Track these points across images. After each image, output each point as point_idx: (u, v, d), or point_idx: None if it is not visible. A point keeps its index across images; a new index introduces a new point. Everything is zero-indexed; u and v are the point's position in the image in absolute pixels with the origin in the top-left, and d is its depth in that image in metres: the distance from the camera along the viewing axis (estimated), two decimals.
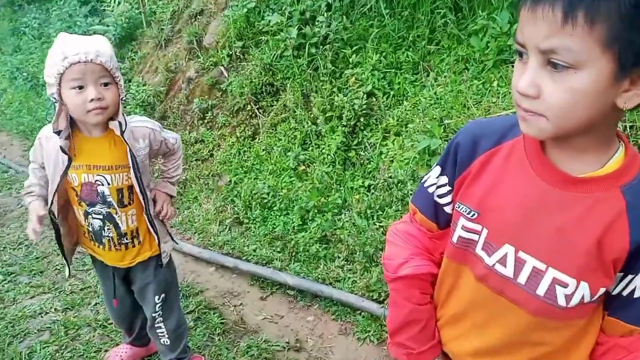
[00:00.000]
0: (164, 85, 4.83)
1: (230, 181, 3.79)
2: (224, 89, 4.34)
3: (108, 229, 1.82)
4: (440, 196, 1.03)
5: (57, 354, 2.37)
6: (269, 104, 4.06)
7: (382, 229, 2.77)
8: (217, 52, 4.50)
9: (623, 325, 0.90)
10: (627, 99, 0.73)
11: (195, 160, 4.19)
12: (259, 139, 3.99)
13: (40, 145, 1.78)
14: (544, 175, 0.87)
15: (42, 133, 1.78)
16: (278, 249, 3.08)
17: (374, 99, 3.51)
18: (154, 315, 2.02)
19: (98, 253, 1.94)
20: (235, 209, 3.48)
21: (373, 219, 2.94)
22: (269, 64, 4.04)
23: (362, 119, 3.50)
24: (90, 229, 1.84)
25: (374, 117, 3.51)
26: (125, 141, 1.70)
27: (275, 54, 4.01)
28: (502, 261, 0.92)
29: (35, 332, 2.52)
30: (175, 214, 1.99)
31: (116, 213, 1.80)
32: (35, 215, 1.74)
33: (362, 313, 2.50)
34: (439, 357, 1.12)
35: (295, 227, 3.17)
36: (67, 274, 2.03)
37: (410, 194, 2.82)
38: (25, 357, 2.34)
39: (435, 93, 3.30)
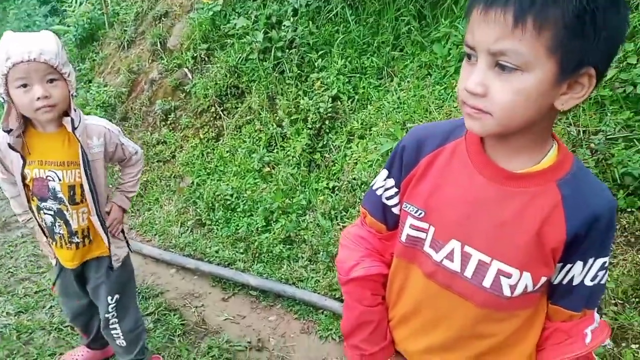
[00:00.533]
0: (125, 87, 4.74)
1: (192, 183, 3.73)
2: (187, 90, 4.29)
3: (59, 225, 1.79)
4: (388, 198, 1.06)
5: (8, 359, 2.26)
6: (233, 106, 4.04)
7: (346, 225, 2.77)
8: (182, 54, 4.46)
9: (563, 312, 0.95)
10: (564, 102, 0.79)
11: (157, 161, 4.11)
12: (223, 141, 3.95)
13: None
14: (484, 172, 0.91)
15: None
16: (241, 250, 3.05)
17: (339, 103, 3.55)
18: (107, 316, 1.96)
19: (54, 252, 1.89)
20: (198, 210, 3.43)
21: (337, 220, 2.96)
22: (234, 66, 4.03)
23: (327, 122, 3.52)
24: (43, 224, 1.80)
25: (339, 120, 3.54)
26: (77, 137, 1.67)
27: (240, 57, 4.01)
28: (450, 256, 0.95)
29: None
30: (121, 229, 1.96)
31: (67, 210, 1.76)
32: (42, 241, 1.88)
33: (325, 312, 2.49)
34: (392, 357, 1.14)
35: (259, 228, 3.15)
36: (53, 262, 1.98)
37: None
38: None
39: (398, 97, 3.36)
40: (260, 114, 3.81)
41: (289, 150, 3.56)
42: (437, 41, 3.47)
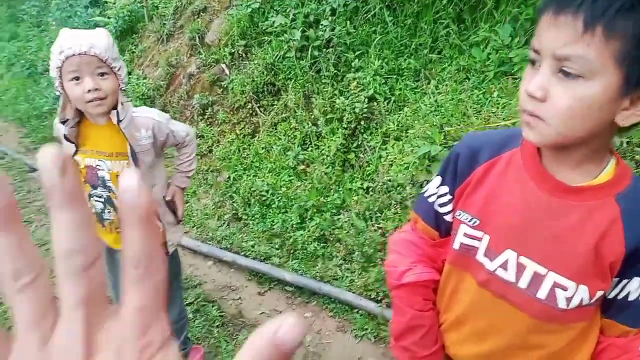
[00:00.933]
0: (164, 80, 4.85)
1: (229, 177, 3.83)
2: (224, 86, 4.38)
3: (108, 211, 1.88)
4: (440, 205, 1.07)
5: None
6: (269, 103, 4.11)
7: (380, 231, 2.83)
8: (219, 49, 4.54)
9: (619, 327, 0.96)
10: (625, 117, 0.78)
11: (195, 155, 4.21)
12: (258, 137, 4.03)
13: (56, 134, 1.86)
14: (540, 184, 0.92)
15: (55, 126, 1.84)
16: (276, 246, 3.13)
17: (374, 104, 3.58)
18: None
19: (101, 234, 1.98)
20: (234, 205, 3.53)
21: (371, 221, 3.01)
22: (271, 64, 4.10)
23: (362, 122, 3.57)
24: (94, 210, 1.90)
25: (374, 121, 3.58)
26: (122, 130, 1.74)
27: (278, 55, 4.07)
28: (504, 266, 0.97)
29: None
30: (182, 207, 2.04)
31: (115, 198, 1.86)
32: None
33: (360, 311, 2.56)
34: None
35: (294, 225, 3.22)
36: None
37: (410, 198, 2.89)
38: None
39: (436, 100, 3.38)
40: (295, 112, 3.88)
41: (323, 149, 3.62)
42: (475, 45, 3.47)
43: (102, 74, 1.66)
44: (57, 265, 0.23)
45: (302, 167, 3.62)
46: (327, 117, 3.68)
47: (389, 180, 3.13)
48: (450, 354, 1.17)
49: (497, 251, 0.98)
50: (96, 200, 1.88)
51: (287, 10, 4.12)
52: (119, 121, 1.73)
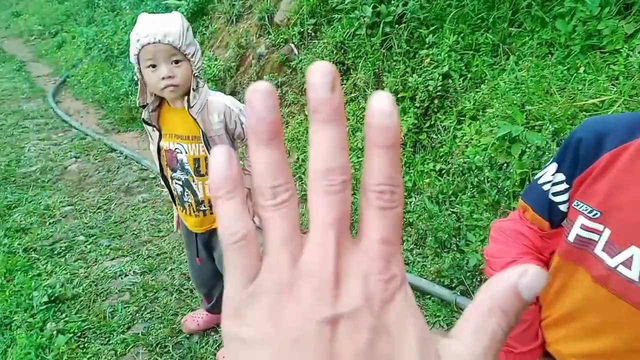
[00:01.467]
0: (234, 61, 4.89)
1: (297, 159, 3.81)
2: (293, 66, 4.35)
3: (187, 195, 1.93)
4: (555, 194, 1.00)
5: (137, 314, 2.49)
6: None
7: (454, 215, 2.72)
8: (288, 29, 4.50)
9: None
10: None
11: None
12: None
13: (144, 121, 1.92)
14: None
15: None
16: None
17: (449, 81, 3.42)
18: None
19: (182, 218, 2.04)
20: (303, 186, 3.51)
21: (445, 205, 2.89)
22: (340, 42, 4.01)
23: (435, 101, 3.42)
24: (175, 192, 1.97)
25: (448, 99, 3.42)
26: (192, 115, 1.76)
27: (347, 32, 3.97)
28: (627, 263, 0.88)
29: (116, 292, 2.65)
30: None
31: (193, 181, 1.90)
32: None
33: (432, 298, 2.47)
34: (540, 358, 1.09)
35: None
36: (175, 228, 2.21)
37: (488, 181, 2.75)
38: (108, 315, 2.47)
39: (515, 77, 3.17)
40: (365, 91, 3.78)
41: None
42: (560, 17, 3.21)
43: (176, 62, 1.69)
44: (312, 183, 0.22)
45: None
46: (399, 95, 3.56)
47: (465, 162, 2.99)
48: (553, 351, 1.08)
49: (620, 246, 0.88)
50: (176, 183, 1.92)
51: None
52: (189, 107, 1.76)
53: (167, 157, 1.88)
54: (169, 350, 2.26)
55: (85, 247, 3.08)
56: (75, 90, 6.80)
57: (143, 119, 1.82)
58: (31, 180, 4.01)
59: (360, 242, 0.23)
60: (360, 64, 3.89)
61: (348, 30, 3.97)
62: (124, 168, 4.16)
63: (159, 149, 1.87)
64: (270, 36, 4.64)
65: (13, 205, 3.56)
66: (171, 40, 1.64)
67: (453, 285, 2.44)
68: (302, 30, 4.36)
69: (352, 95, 3.90)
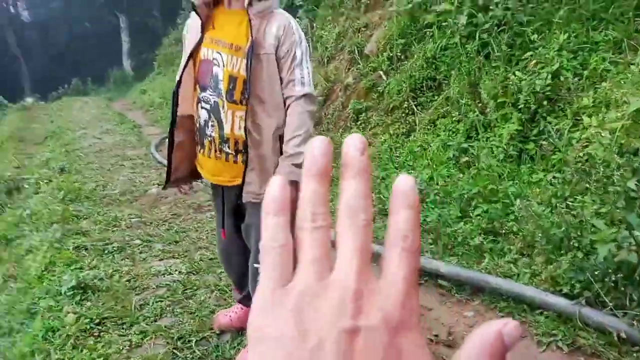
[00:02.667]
0: (322, 95, 4.72)
1: (378, 176, 3.37)
2: (380, 91, 4.04)
3: (212, 125, 1.54)
4: None
5: (168, 308, 2.10)
6: (428, 100, 3.64)
7: (573, 212, 2.07)
8: (378, 57, 4.27)
9: None
10: None
11: (309, 131, 3.90)
12: (414, 136, 3.55)
13: (186, 31, 1.63)
14: None
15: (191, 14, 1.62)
16: (429, 241, 2.52)
17: (560, 80, 2.87)
18: (256, 266, 1.62)
19: (200, 164, 1.64)
20: (382, 198, 3.03)
21: (561, 207, 2.25)
22: (431, 57, 3.66)
23: (545, 104, 2.86)
24: (198, 124, 1.58)
25: (560, 100, 2.85)
26: (249, 15, 1.44)
27: (439, 45, 3.62)
28: None
29: (153, 288, 2.31)
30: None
31: (222, 107, 1.52)
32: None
33: (545, 312, 1.80)
34: None
35: (453, 218, 2.59)
36: (161, 187, 1.86)
37: (617, 173, 2.09)
38: (136, 307, 2.10)
39: None
40: (459, 102, 3.32)
41: (492, 140, 2.98)
42: None
43: None
44: (340, 219, 0.25)
45: (466, 159, 3.00)
46: (498, 101, 3.05)
47: (587, 161, 2.36)
48: None
49: None
50: (202, 107, 1.55)
51: None
52: (249, 4, 1.44)
53: (200, 69, 1.54)
54: (191, 345, 1.82)
55: (138, 249, 2.82)
56: None
57: (193, 4, 1.51)
58: (110, 200, 3.97)
59: (383, 276, 0.25)
60: (453, 76, 3.47)
61: (440, 42, 3.62)
62: (200, 192, 4.00)
63: (190, 58, 1.54)
64: (358, 66, 4.43)
65: (83, 216, 3.48)
66: None
67: (575, 292, 1.75)
68: (391, 55, 4.10)
69: (444, 110, 3.46)
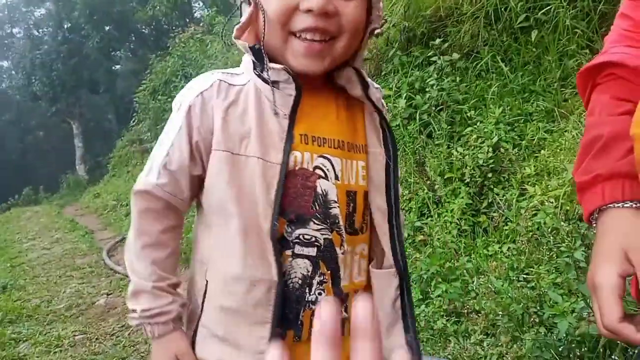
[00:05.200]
0: None
1: None
2: None
3: (320, 281, 0.87)
4: None
5: None
6: None
7: (531, 284, 2.02)
8: None
9: None
10: None
11: None
12: None
13: (197, 113, 0.85)
14: None
15: (199, 85, 0.87)
16: None
17: (501, 152, 2.94)
18: None
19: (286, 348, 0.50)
20: None
21: (518, 281, 2.20)
22: None
23: (490, 176, 2.91)
24: (291, 283, 0.85)
25: (504, 172, 2.91)
26: (374, 103, 0.86)
27: None
28: None
29: None
30: None
31: (341, 245, 0.88)
32: None
33: None
34: None
35: (415, 302, 2.49)
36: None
37: (566, 240, 2.08)
38: None
39: (580, 133, 2.66)
40: (408, 180, 3.35)
41: (445, 215, 2.97)
42: None
43: None
44: None
45: (421, 237, 2.96)
46: (445, 177, 3.09)
47: (538, 229, 2.35)
48: None
49: None
50: (298, 256, 0.85)
51: (390, 84, 3.85)
52: (366, 91, 0.85)
53: (289, 188, 0.84)
54: None
55: None
56: None
57: (267, 80, 0.82)
58: (55, 316, 3.69)
59: None
60: (399, 156, 3.53)
61: None
62: None
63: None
64: None
65: (23, 338, 3.18)
66: None
67: None
68: None
69: None
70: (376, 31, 0.85)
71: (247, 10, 0.82)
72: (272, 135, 0.81)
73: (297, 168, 0.83)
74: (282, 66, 0.80)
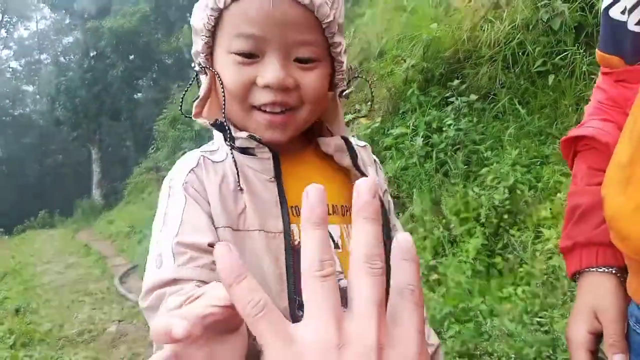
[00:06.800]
0: None
1: None
2: None
3: None
4: (623, 12, 0.73)
5: None
6: None
7: (544, 328, 2.00)
8: None
9: None
10: None
11: None
12: None
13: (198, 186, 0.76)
14: None
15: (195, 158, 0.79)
16: None
17: (517, 194, 2.95)
18: None
19: None
20: None
21: (532, 325, 2.18)
22: (393, 176, 3.76)
23: (505, 217, 2.91)
24: None
25: (520, 213, 2.91)
26: (360, 169, 0.79)
27: (399, 165, 3.75)
28: None
29: None
30: None
31: None
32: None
33: None
34: None
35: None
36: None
37: None
38: None
39: None
40: (423, 218, 3.36)
41: (459, 255, 2.97)
42: None
43: (305, 61, 0.72)
44: (355, 266, 0.28)
45: (436, 276, 2.96)
46: (461, 216, 3.10)
47: (552, 272, 2.35)
48: None
49: None
50: None
51: (407, 122, 3.91)
52: (355, 161, 0.79)
53: (297, 263, 0.64)
54: None
55: None
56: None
57: (233, 148, 0.76)
58: (66, 341, 3.71)
59: (397, 328, 0.28)
60: (415, 194, 3.55)
61: (399, 163, 3.76)
62: None
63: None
64: None
65: None
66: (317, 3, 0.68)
67: None
68: None
69: (410, 226, 3.48)
70: (344, 93, 0.81)
71: (204, 81, 0.79)
72: (265, 202, 0.76)
73: (296, 242, 0.75)
74: (247, 134, 0.76)
